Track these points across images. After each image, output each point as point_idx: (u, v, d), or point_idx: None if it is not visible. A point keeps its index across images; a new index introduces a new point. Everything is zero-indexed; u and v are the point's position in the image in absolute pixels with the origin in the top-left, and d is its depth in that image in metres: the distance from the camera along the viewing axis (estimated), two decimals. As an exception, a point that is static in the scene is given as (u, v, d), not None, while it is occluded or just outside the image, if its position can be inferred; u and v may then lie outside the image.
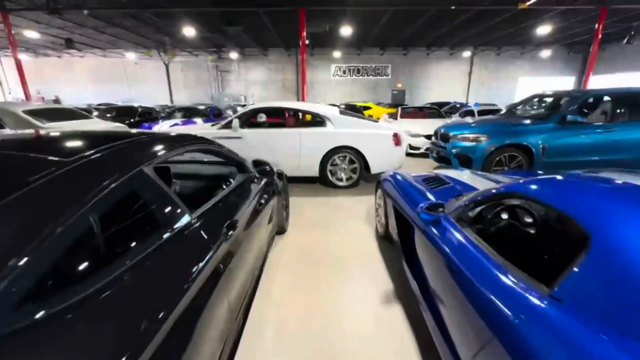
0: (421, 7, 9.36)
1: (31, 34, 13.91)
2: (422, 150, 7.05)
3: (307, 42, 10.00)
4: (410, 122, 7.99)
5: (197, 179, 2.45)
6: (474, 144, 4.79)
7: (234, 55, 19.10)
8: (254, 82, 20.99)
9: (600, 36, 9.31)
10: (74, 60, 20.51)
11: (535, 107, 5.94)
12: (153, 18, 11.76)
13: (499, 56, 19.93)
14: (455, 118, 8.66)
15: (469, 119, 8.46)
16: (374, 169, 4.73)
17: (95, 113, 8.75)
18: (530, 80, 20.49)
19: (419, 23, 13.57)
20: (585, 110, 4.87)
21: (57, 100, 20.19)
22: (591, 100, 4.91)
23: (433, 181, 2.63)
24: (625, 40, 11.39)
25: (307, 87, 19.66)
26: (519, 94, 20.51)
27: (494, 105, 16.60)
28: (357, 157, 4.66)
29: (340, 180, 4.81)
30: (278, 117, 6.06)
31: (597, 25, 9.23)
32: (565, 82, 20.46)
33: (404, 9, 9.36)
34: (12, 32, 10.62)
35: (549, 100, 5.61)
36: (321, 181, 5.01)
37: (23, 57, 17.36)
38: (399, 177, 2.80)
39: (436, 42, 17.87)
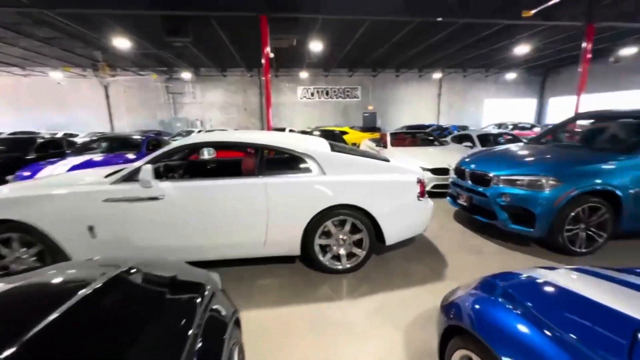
0: (404, 18, 8.17)
1: None
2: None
3: (271, 55, 8.25)
4: (405, 151, 6.40)
5: None
6: (534, 191, 3.15)
7: (186, 75, 16.89)
8: (211, 105, 18.79)
9: (588, 56, 8.71)
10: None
11: (582, 132, 4.55)
12: (74, 26, 9.37)
13: (465, 78, 19.94)
14: (451, 144, 7.26)
15: (480, 148, 7.13)
16: (390, 239, 2.87)
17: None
18: (496, 102, 20.70)
19: (390, 43, 12.64)
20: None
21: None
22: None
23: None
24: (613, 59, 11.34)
25: (273, 110, 17.93)
26: (486, 116, 20.58)
27: (466, 127, 16.20)
28: (363, 221, 2.77)
29: (338, 259, 2.86)
30: (231, 157, 4.07)
31: (585, 44, 8.63)
32: (528, 104, 20.94)
33: (385, 19, 8.09)
34: None
35: (607, 122, 4.25)
36: (305, 261, 3.02)
37: None
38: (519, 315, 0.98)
39: (405, 63, 17.29)
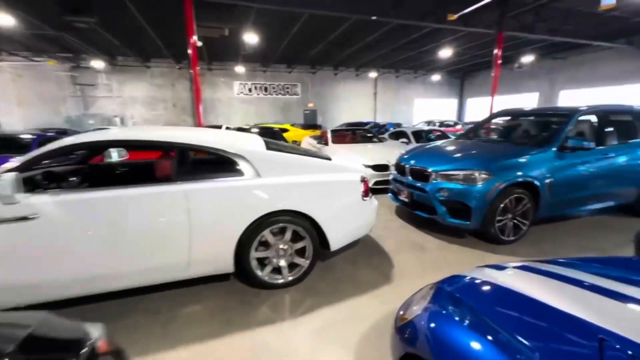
0: (340, 14, 8.10)
1: None
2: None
3: (199, 44, 7.42)
4: (346, 148, 6.34)
5: None
6: (469, 185, 3.24)
7: (98, 64, 14.52)
8: (133, 100, 16.58)
9: (499, 62, 9.84)
10: None
11: (500, 128, 4.95)
12: None
13: (398, 78, 21.19)
14: (389, 141, 7.47)
15: (415, 144, 7.42)
16: (335, 244, 2.64)
17: None
18: (424, 101, 22.47)
19: (327, 41, 12.66)
20: (583, 132, 3.98)
21: None
22: (588, 118, 4.06)
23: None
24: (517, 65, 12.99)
25: (207, 106, 16.61)
26: (417, 115, 22.22)
27: (400, 124, 17.26)
28: (306, 228, 2.48)
29: (279, 272, 2.53)
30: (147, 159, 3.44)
31: (495, 50, 9.71)
32: (450, 104, 23.22)
33: (321, 12, 7.92)
34: None
35: (520, 119, 4.68)
36: (241, 277, 2.62)
37: None
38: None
39: (343, 62, 17.61)
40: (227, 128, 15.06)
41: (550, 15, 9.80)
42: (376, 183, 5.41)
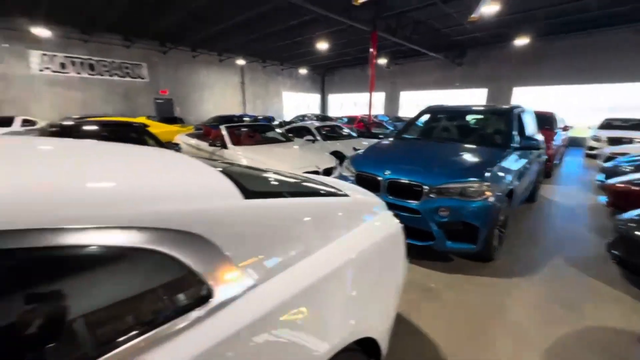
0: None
1: None
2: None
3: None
4: (253, 152, 4.79)
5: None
6: (473, 200, 2.61)
7: None
8: None
9: (375, 61, 10.37)
10: None
11: (432, 127, 4.63)
12: None
13: (265, 69, 20.03)
14: (295, 140, 6.31)
15: (322, 142, 6.45)
16: (385, 349, 1.37)
17: None
18: (292, 95, 22.42)
19: (186, 11, 10.06)
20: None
21: None
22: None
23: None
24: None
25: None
26: (287, 109, 21.95)
27: (271, 119, 16.31)
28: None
29: None
30: None
31: (370, 49, 10.16)
32: (314, 99, 24.19)
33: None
34: None
35: (453, 117, 4.53)
36: None
37: None
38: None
39: (203, 43, 14.84)
40: (26, 122, 9.79)
41: (406, 23, 11.10)
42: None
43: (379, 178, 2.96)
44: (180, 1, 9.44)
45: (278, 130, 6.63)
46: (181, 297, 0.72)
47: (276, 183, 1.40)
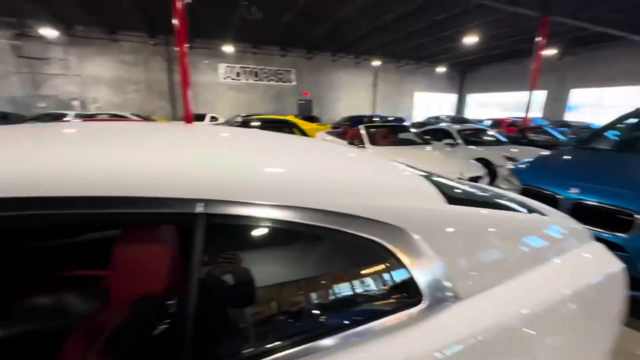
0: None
1: None
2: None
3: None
4: (390, 153, 4.72)
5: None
6: None
7: (49, 32, 11.74)
8: (96, 80, 13.91)
9: (541, 52, 8.54)
10: None
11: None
12: None
13: (399, 69, 19.71)
14: (434, 143, 5.90)
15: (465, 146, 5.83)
16: None
17: None
18: (424, 95, 21.24)
19: (334, 20, 10.87)
20: None
21: None
22: None
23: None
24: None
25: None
26: (417, 110, 21.00)
27: (401, 119, 15.82)
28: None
29: None
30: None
31: (537, 37, 8.39)
32: (447, 99, 22.15)
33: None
34: None
35: None
36: None
37: None
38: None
39: (344, 47, 15.84)
40: (213, 119, 12.95)
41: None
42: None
43: (559, 196, 2.37)
44: (327, 14, 10.32)
45: (412, 130, 6.38)
46: (397, 292, 0.73)
47: (473, 192, 1.30)
